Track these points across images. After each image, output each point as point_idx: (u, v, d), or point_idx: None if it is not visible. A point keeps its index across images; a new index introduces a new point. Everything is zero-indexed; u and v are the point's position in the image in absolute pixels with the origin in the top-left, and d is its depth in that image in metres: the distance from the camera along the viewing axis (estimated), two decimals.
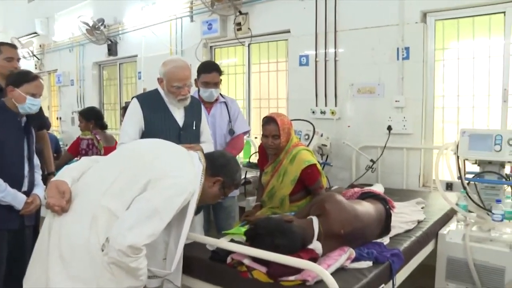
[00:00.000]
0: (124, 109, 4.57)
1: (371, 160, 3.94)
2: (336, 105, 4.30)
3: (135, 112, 2.67)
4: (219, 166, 2.05)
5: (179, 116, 2.71)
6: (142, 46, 6.31)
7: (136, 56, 6.53)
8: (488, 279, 2.68)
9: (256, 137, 5.15)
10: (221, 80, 3.27)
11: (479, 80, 3.71)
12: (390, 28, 3.90)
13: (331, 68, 4.31)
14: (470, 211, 2.99)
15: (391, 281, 2.20)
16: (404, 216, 2.87)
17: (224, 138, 3.30)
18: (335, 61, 4.28)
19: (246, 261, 2.04)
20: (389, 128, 3.92)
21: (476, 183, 3.07)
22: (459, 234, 2.83)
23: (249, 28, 4.95)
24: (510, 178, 3.04)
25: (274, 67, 5.11)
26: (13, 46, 3.16)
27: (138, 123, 2.65)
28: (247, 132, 3.62)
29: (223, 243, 2.15)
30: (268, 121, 2.82)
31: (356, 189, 2.80)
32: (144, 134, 2.65)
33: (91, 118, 4.36)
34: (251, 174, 4.85)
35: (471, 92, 3.75)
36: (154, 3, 6.06)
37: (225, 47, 5.51)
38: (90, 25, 6.66)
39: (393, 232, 2.60)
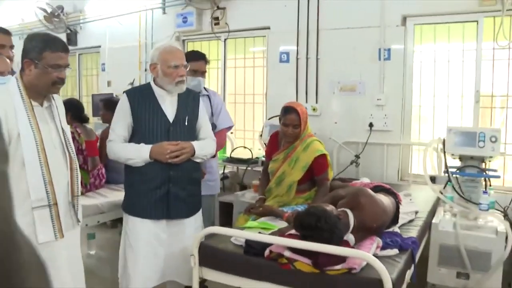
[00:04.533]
0: (102, 101, 4.42)
1: (356, 155, 4.15)
2: (317, 102, 4.45)
3: (123, 107, 2.59)
4: (22, 53, 2.11)
5: (170, 110, 2.59)
6: (106, 37, 6.11)
7: (99, 47, 6.30)
8: (477, 263, 2.95)
9: (232, 132, 5.19)
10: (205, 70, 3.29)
11: (453, 81, 4.02)
12: (371, 30, 4.12)
13: (313, 65, 4.46)
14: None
15: (412, 266, 2.38)
16: (403, 207, 3.08)
17: None
18: (317, 59, 4.43)
19: (287, 253, 2.12)
20: (371, 125, 4.14)
21: (457, 176, 3.37)
22: (449, 223, 3.08)
23: (226, 23, 4.97)
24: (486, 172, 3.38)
25: (250, 62, 5.18)
26: (5, 32, 2.90)
27: (126, 120, 2.57)
28: (231, 128, 3.55)
29: (264, 236, 2.21)
30: (289, 110, 2.95)
31: (365, 181, 2.97)
32: (134, 131, 2.59)
33: (68, 110, 4.17)
34: (229, 170, 4.92)
35: (446, 92, 4.06)
36: None
37: (198, 41, 5.48)
38: (49, 11, 6.33)
39: (399, 223, 2.80)
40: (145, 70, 5.62)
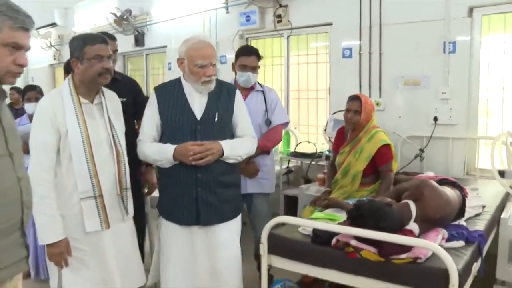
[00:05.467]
0: None
1: (420, 149, 4.12)
2: (380, 97, 4.46)
3: (151, 105, 2.46)
4: (70, 55, 2.29)
5: (198, 106, 2.39)
6: (172, 37, 6.39)
7: (165, 47, 6.62)
8: None
9: (296, 127, 5.31)
10: (259, 66, 3.24)
11: None
12: (436, 23, 4.05)
13: (376, 60, 4.47)
14: None
15: (479, 259, 2.38)
16: (469, 201, 3.06)
17: (259, 128, 3.12)
18: (380, 54, 4.44)
19: (353, 242, 2.20)
20: (435, 119, 4.10)
21: None
22: None
23: (289, 21, 5.08)
24: None
25: (313, 58, 5.25)
26: (111, 38, 3.03)
27: (154, 118, 2.42)
28: (287, 124, 3.50)
29: (331, 225, 2.32)
30: (353, 98, 3.11)
31: (430, 175, 2.99)
32: (162, 130, 2.45)
33: None
34: (293, 164, 5.05)
35: None
36: None
37: (261, 38, 5.63)
38: (118, 15, 6.72)
39: (465, 216, 2.79)
40: None
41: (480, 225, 2.69)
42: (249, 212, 3.34)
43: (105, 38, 2.33)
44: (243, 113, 2.54)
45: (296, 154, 4.83)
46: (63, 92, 2.26)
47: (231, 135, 2.49)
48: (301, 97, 5.40)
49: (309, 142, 5.04)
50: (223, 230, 2.48)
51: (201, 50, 2.30)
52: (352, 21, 4.58)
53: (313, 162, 4.67)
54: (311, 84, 5.29)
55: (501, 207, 3.25)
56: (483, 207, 3.04)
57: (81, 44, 2.23)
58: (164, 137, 2.44)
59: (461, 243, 2.32)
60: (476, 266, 2.32)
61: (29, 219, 1.64)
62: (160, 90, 2.47)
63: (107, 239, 2.29)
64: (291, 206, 4.42)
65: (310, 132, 5.36)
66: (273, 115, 3.21)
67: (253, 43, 5.70)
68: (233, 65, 3.14)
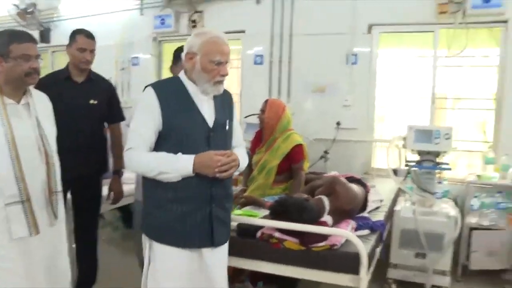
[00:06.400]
0: None
1: (325, 151, 4.55)
2: (289, 102, 4.83)
3: (151, 106, 1.99)
4: None
5: (208, 112, 2.06)
6: None
7: None
8: (432, 244, 3.37)
9: None
10: None
11: (413, 84, 4.52)
12: (340, 37, 4.54)
13: (285, 68, 4.84)
14: None
15: (381, 244, 2.79)
16: (371, 196, 3.49)
17: None
18: (289, 62, 4.82)
19: (277, 234, 2.46)
20: (338, 123, 4.57)
21: (415, 169, 3.81)
22: (409, 210, 3.51)
23: (203, 26, 5.26)
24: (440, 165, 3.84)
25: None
26: (89, 36, 2.97)
27: (155, 121, 1.99)
28: None
29: (256, 220, 2.56)
30: (265, 100, 3.52)
31: (335, 173, 3.37)
32: (162, 137, 2.02)
33: None
34: None
35: (406, 94, 4.55)
36: None
37: (175, 41, 5.72)
38: (22, 8, 6.37)
39: (368, 209, 3.20)
40: (122, 69, 5.82)
41: (380, 216, 3.11)
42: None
43: (32, 36, 2.20)
44: (237, 122, 2.32)
45: None
46: None
47: (230, 144, 2.24)
48: None
49: None
50: (226, 248, 2.23)
51: (220, 46, 2.00)
52: (264, 29, 4.91)
53: None
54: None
55: (394, 201, 3.75)
56: (381, 201, 3.49)
57: (7, 41, 2.10)
58: (165, 146, 2.01)
59: (367, 231, 2.70)
60: (378, 250, 2.71)
61: None
62: (160, 89, 2.03)
63: (35, 245, 2.16)
64: None
65: None
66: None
67: (167, 46, 5.78)
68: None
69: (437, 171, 3.81)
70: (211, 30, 2.05)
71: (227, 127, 2.14)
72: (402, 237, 3.50)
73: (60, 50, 6.84)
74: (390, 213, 3.47)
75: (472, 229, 3.74)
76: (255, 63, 5.04)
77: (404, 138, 3.74)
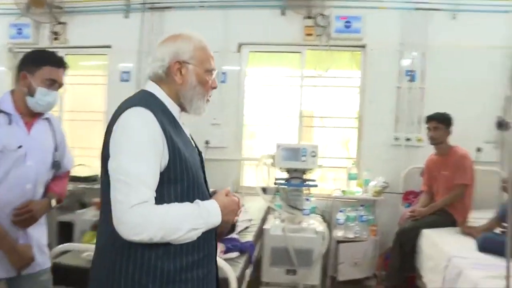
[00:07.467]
0: None
1: None
2: None
3: (154, 136, 1.37)
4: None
5: (189, 138, 1.60)
6: None
7: None
8: (302, 259, 3.44)
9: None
10: None
11: (282, 102, 4.64)
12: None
13: None
14: None
15: (251, 264, 2.71)
16: (239, 216, 3.44)
17: (47, 173, 2.11)
18: None
19: None
20: (207, 142, 4.49)
21: (284, 186, 3.87)
22: (279, 228, 3.53)
23: (66, 39, 4.86)
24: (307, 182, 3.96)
25: (91, 80, 5.10)
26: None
27: (158, 158, 1.37)
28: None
29: None
30: None
31: None
32: (166, 173, 1.39)
33: None
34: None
35: (275, 112, 4.66)
36: None
37: None
38: None
39: (237, 229, 3.13)
40: None
41: (249, 237, 3.06)
42: None
43: None
44: None
45: (71, 178, 4.55)
46: None
47: None
48: (76, 118, 5.16)
49: (83, 165, 4.80)
50: None
51: (208, 51, 1.57)
52: (132, 45, 4.67)
53: (88, 186, 4.50)
54: (88, 105, 5.12)
55: (264, 219, 3.74)
56: (250, 220, 3.45)
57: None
58: (174, 189, 1.41)
59: (236, 253, 2.61)
60: (248, 272, 2.64)
61: None
62: (156, 112, 1.40)
63: None
64: (65, 233, 4.13)
65: (85, 155, 5.13)
66: (64, 157, 2.24)
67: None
68: (24, 77, 1.97)
69: (305, 188, 3.92)
70: (191, 32, 1.56)
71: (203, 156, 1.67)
72: (272, 255, 3.49)
73: None
74: (260, 232, 3.44)
75: (339, 242, 3.90)
76: (122, 80, 4.75)
77: (273, 157, 3.78)
